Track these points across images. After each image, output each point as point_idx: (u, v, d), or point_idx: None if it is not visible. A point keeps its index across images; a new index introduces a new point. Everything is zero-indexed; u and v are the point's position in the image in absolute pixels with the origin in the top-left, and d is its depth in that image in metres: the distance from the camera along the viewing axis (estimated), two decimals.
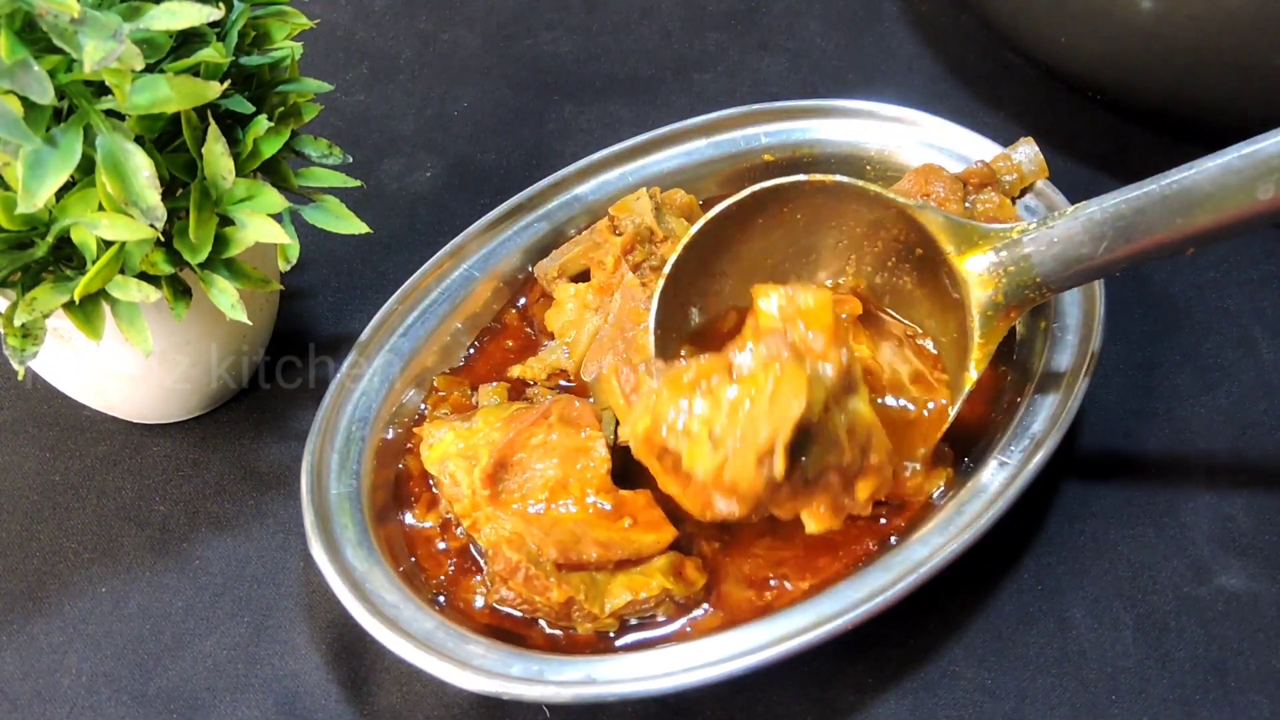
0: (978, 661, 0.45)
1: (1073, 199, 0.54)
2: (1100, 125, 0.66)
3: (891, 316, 0.50)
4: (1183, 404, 0.52)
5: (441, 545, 0.48)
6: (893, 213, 0.47)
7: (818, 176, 0.46)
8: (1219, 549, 0.47)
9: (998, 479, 0.45)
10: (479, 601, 0.46)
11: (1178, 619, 0.46)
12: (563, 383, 0.53)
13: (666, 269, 0.47)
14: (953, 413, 0.46)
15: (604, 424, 0.50)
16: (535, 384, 0.53)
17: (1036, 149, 0.55)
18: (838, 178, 0.46)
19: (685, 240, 0.47)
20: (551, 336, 0.54)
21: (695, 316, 0.50)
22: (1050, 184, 0.55)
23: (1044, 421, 0.46)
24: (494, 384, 0.53)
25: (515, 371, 0.54)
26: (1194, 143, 0.63)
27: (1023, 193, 0.55)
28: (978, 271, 0.45)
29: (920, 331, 0.49)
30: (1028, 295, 0.44)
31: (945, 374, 0.48)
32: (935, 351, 0.49)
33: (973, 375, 0.45)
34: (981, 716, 0.44)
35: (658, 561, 0.45)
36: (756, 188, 0.47)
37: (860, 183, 0.46)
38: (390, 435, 0.51)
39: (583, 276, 0.55)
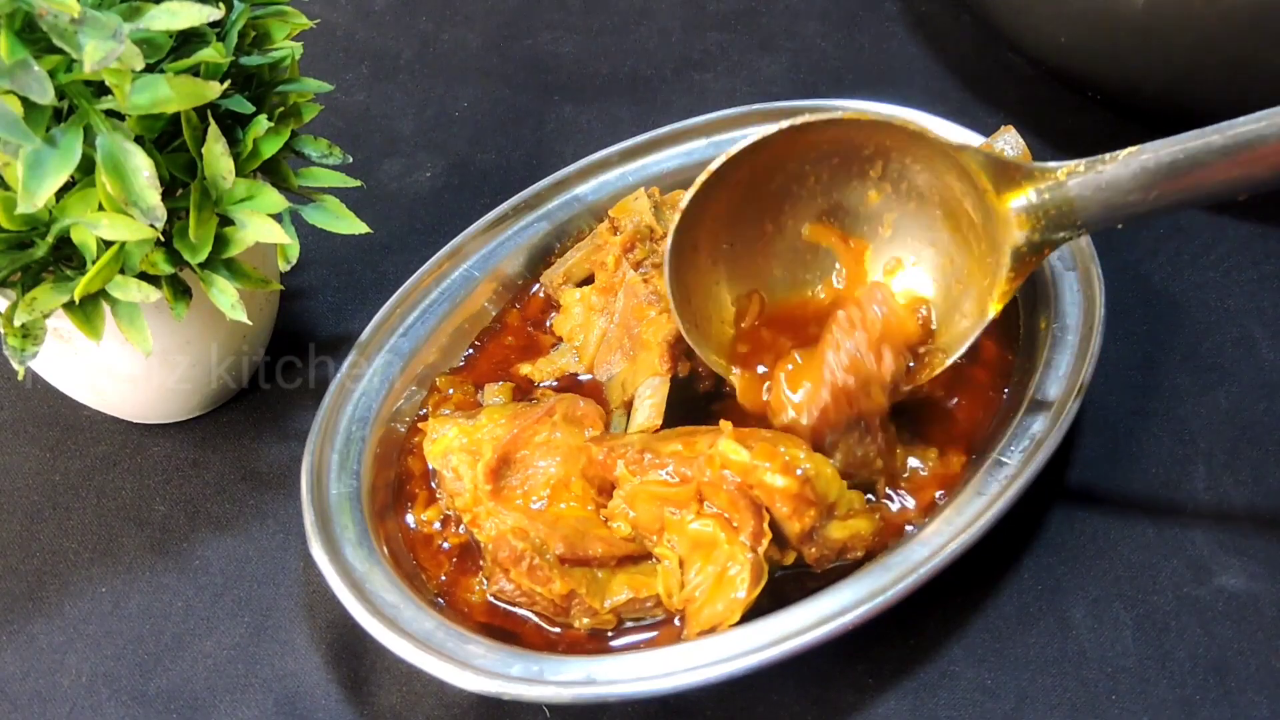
0: (978, 661, 0.45)
1: None
2: (1100, 125, 0.66)
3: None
4: (1183, 404, 0.52)
5: (443, 545, 0.48)
6: (932, 152, 0.46)
7: (853, 114, 0.45)
8: (1219, 549, 0.47)
9: (998, 479, 0.45)
10: (477, 599, 0.46)
11: (1178, 619, 0.46)
12: (556, 382, 0.53)
13: (684, 202, 0.46)
14: (965, 346, 0.46)
15: (612, 425, 0.50)
16: (542, 384, 0.53)
17: (1017, 135, 0.54)
18: (878, 113, 0.45)
19: (704, 177, 0.46)
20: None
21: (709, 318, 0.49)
22: None
23: (1044, 421, 0.46)
24: (499, 384, 0.53)
25: (524, 369, 0.54)
26: None
27: None
28: (1017, 210, 0.44)
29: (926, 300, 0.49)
30: (1063, 236, 0.44)
31: (940, 347, 0.47)
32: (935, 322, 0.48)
33: (994, 309, 0.45)
34: (981, 716, 0.44)
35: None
36: (787, 124, 0.45)
37: (899, 119, 0.45)
38: (390, 435, 0.51)
39: (589, 282, 0.56)
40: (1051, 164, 0.44)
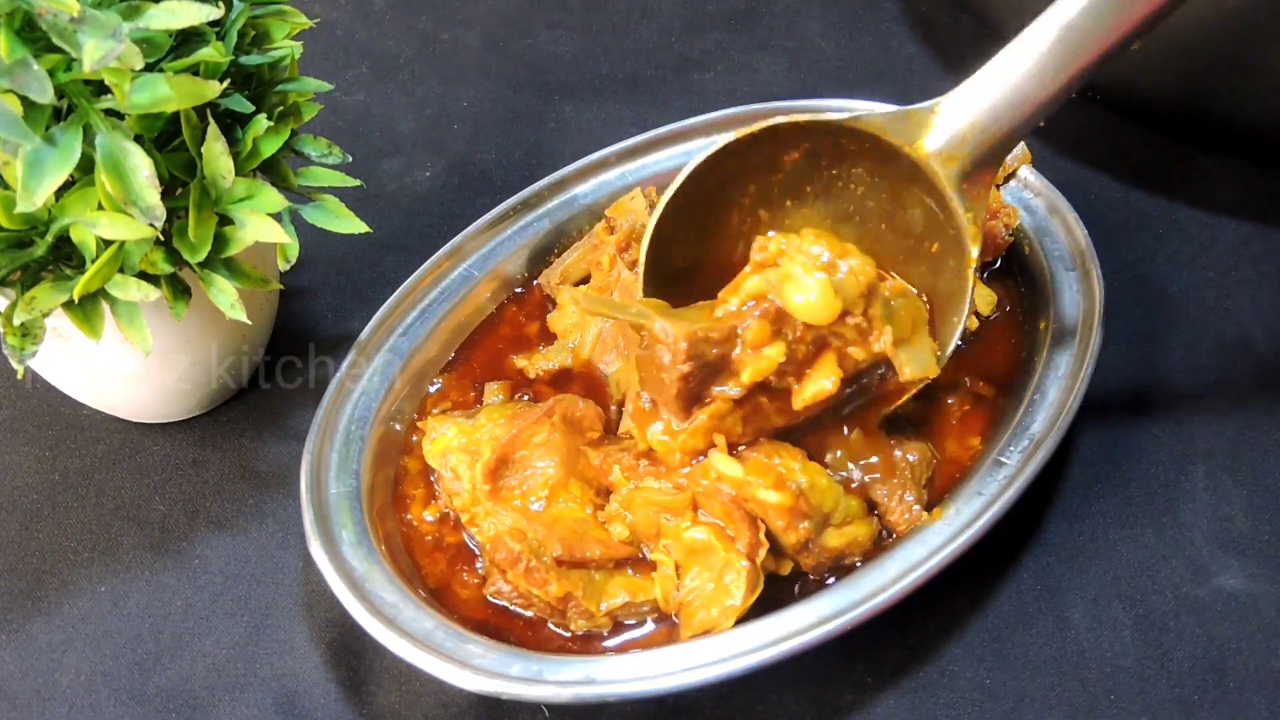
0: (977, 661, 0.45)
1: (1071, 198, 0.54)
2: (1100, 125, 0.66)
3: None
4: (1183, 404, 0.52)
5: (442, 544, 0.48)
6: (835, 135, 0.45)
7: (750, 130, 0.44)
8: (1218, 549, 0.47)
9: (996, 479, 0.45)
10: (475, 598, 0.46)
11: (1177, 619, 0.46)
12: (548, 371, 0.53)
13: (662, 203, 0.45)
14: (969, 297, 0.44)
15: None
16: (536, 378, 0.53)
17: None
18: (776, 121, 0.44)
19: (675, 185, 0.45)
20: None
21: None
22: (1033, 169, 0.54)
23: (1043, 422, 0.46)
24: (499, 383, 0.53)
25: (519, 363, 0.54)
26: (1194, 142, 0.63)
27: (1007, 179, 0.55)
28: (936, 150, 0.43)
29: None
30: (996, 152, 0.43)
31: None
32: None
33: (973, 252, 0.43)
34: (981, 716, 0.44)
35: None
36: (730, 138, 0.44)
37: (790, 118, 0.44)
38: (389, 434, 0.51)
39: (586, 281, 0.56)
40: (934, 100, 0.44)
